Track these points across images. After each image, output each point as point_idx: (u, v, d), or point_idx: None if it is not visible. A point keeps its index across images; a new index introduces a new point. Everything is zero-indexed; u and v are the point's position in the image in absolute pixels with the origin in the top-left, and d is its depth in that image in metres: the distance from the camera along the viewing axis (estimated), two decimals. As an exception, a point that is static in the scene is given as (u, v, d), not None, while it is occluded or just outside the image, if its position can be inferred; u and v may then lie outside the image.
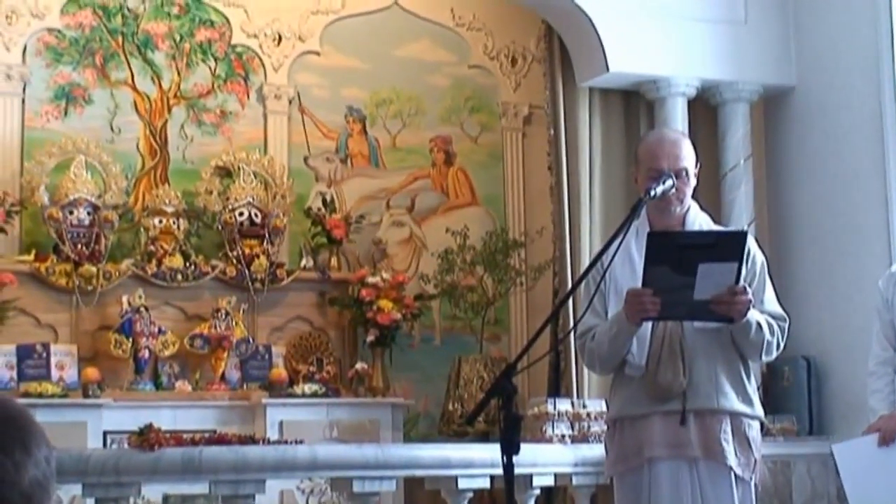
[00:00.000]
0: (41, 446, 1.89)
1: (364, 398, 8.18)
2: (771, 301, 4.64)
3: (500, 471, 3.60)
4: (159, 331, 7.95)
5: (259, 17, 8.79)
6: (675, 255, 4.29)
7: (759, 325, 4.45)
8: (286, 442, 6.59)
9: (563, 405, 7.39)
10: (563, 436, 7.24)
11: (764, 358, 4.62)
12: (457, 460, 6.52)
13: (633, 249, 4.52)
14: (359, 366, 8.24)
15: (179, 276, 8.11)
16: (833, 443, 6.29)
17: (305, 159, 8.86)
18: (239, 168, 8.39)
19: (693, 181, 4.65)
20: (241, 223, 8.29)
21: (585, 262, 7.76)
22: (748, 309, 4.36)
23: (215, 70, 8.72)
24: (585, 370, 7.79)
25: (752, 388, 4.63)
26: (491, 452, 6.07)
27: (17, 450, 1.84)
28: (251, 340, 8.18)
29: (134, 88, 8.51)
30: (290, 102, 8.84)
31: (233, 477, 5.99)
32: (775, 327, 4.53)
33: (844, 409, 7.87)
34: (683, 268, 4.26)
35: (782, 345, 4.59)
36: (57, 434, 6.84)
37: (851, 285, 7.90)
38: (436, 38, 9.26)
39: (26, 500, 1.83)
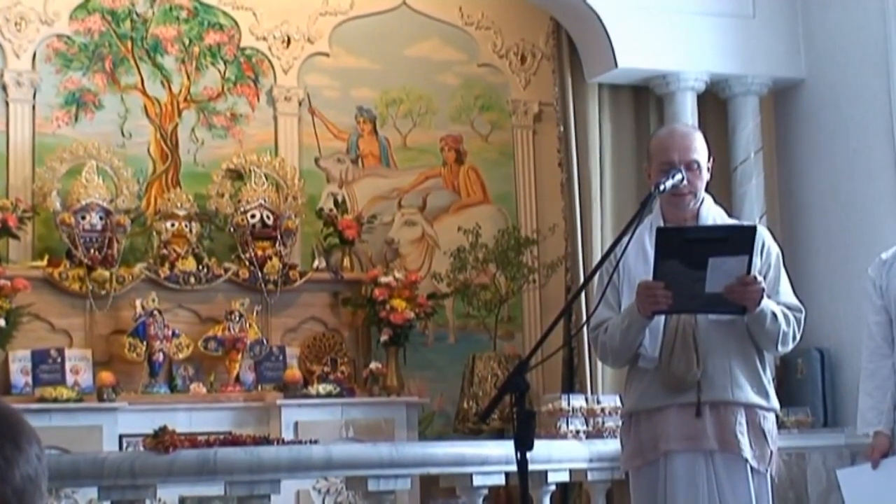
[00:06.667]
0: (32, 444, 1.88)
1: (379, 397, 8.19)
2: (787, 293, 4.63)
3: (514, 467, 3.60)
4: (173, 334, 7.96)
5: (267, 20, 8.80)
6: (685, 249, 4.30)
7: (774, 314, 4.44)
8: (301, 442, 6.60)
9: (578, 401, 7.40)
10: (577, 431, 7.24)
11: (780, 349, 4.59)
12: (471, 457, 6.52)
13: (647, 243, 4.51)
14: (373, 365, 8.24)
15: (192, 279, 8.11)
16: (839, 468, 6.31)
17: (316, 160, 8.87)
18: (250, 170, 8.41)
19: (706, 175, 4.65)
20: (254, 225, 8.30)
21: (597, 258, 7.73)
22: (761, 297, 4.36)
23: (225, 73, 8.73)
24: (599, 366, 7.79)
25: (768, 380, 4.62)
26: (506, 449, 6.06)
27: (7, 446, 1.84)
28: (265, 342, 8.19)
29: (144, 93, 8.52)
30: (300, 104, 8.84)
31: (248, 478, 6.00)
32: (791, 318, 4.52)
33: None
34: (694, 262, 4.27)
35: (798, 336, 4.58)
36: (72, 438, 7.00)
37: (864, 276, 7.88)
38: (445, 38, 9.26)
39: (18, 496, 1.83)
